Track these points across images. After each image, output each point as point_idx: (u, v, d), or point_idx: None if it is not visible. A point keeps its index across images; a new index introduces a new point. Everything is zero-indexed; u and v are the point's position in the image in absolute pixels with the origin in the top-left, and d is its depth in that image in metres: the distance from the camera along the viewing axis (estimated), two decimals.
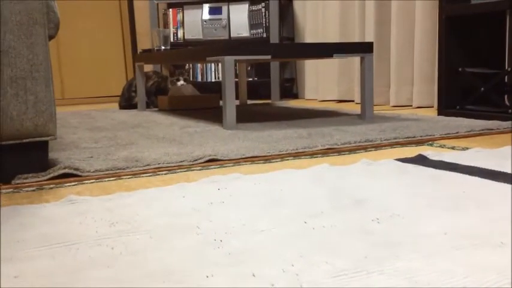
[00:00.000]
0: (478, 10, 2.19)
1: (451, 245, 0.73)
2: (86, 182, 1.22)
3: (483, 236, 0.76)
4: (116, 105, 3.91)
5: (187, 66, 4.29)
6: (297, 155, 1.49)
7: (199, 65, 4.27)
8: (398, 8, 2.96)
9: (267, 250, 0.73)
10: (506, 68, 2.35)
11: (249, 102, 3.73)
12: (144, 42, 4.40)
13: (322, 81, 3.69)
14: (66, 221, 0.90)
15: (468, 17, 2.30)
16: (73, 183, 1.21)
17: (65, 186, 1.19)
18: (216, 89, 4.09)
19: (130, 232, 0.82)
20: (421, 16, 2.81)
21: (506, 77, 2.28)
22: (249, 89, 4.10)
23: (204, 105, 3.23)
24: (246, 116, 2.58)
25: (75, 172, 1.25)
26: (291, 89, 4.25)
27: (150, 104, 3.37)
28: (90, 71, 4.33)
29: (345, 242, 0.76)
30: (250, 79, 4.08)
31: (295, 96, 4.21)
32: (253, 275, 0.64)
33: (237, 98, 3.65)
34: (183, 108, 3.17)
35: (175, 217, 0.90)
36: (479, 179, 1.11)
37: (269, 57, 2.07)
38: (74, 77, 4.27)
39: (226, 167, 1.37)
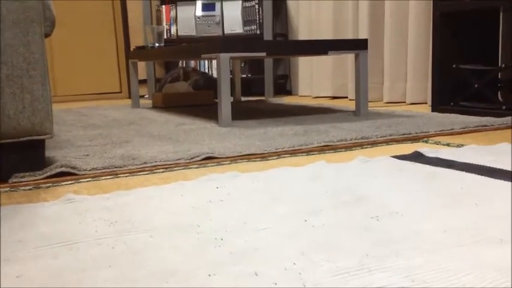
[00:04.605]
0: (472, 7, 2.20)
1: (451, 242, 0.74)
2: (83, 180, 1.22)
3: (482, 233, 0.77)
4: (109, 102, 3.90)
5: (180, 64, 4.29)
6: (293, 153, 1.49)
7: (192, 62, 4.26)
8: (392, 4, 2.96)
9: (268, 249, 0.73)
10: (500, 64, 2.36)
11: (243, 99, 3.72)
12: (137, 39, 4.38)
13: (316, 78, 3.70)
14: (65, 220, 0.90)
15: (462, 14, 2.31)
16: (70, 182, 1.21)
17: (62, 184, 1.19)
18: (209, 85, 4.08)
19: (131, 231, 0.82)
20: (415, 12, 2.82)
21: (499, 73, 2.30)
22: (243, 86, 4.10)
23: (198, 102, 3.22)
24: (241, 113, 2.58)
25: (72, 171, 1.24)
26: (284, 85, 4.25)
27: None
28: (82, 68, 4.31)
29: (345, 239, 0.76)
30: (244, 76, 4.08)
31: (289, 92, 4.21)
32: (256, 274, 0.65)
33: (231, 94, 3.65)
34: (177, 105, 3.16)
35: (175, 216, 0.90)
36: (477, 176, 1.12)
37: (264, 54, 2.07)
38: (66, 74, 4.25)
39: (223, 164, 1.37)
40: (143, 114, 2.72)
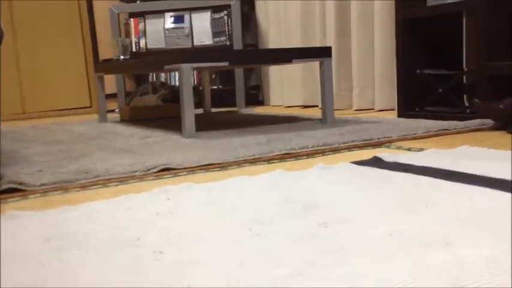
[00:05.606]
0: (435, 12, 2.21)
1: (397, 247, 0.71)
2: (31, 196, 1.18)
3: (428, 236, 0.75)
4: (78, 117, 3.84)
5: (150, 78, 4.25)
6: (253, 161, 1.47)
7: (162, 75, 4.23)
8: (358, 12, 2.97)
9: (207, 261, 0.70)
10: (464, 68, 2.38)
11: (214, 110, 3.69)
12: (107, 52, 4.33)
13: (287, 87, 3.69)
14: (2, 238, 0.85)
15: (425, 19, 2.32)
16: (17, 199, 1.16)
17: (9, 201, 1.14)
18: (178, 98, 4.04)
19: (66, 248, 0.79)
20: (380, 19, 2.83)
21: (464, 77, 2.31)
22: (214, 97, 4.07)
23: (166, 114, 3.18)
24: (208, 124, 2.55)
25: (19, 187, 1.20)
26: (256, 95, 4.23)
27: None
28: (51, 83, 4.24)
29: (289, 248, 0.73)
30: (215, 87, 4.05)
31: (261, 103, 4.19)
32: None
33: (201, 106, 3.62)
34: (145, 118, 3.12)
35: (117, 230, 0.87)
36: (432, 179, 1.10)
37: (227, 63, 2.04)
38: (35, 90, 4.18)
39: (180, 176, 1.34)
40: (109, 128, 2.67)
